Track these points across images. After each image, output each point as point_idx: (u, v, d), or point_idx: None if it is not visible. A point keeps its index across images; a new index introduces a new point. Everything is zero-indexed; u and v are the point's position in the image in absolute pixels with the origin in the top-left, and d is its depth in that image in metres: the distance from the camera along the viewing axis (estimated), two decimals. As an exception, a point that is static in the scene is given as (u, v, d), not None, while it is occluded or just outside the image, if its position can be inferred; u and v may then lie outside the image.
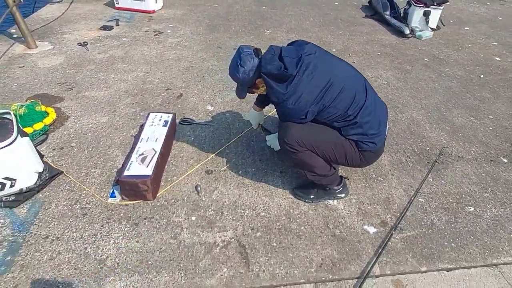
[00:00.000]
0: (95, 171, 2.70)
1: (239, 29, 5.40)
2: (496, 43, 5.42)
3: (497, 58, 4.91)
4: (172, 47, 4.71)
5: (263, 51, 2.26)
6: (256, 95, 2.65)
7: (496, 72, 4.53)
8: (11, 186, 2.40)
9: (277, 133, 2.69)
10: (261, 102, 2.77)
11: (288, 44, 2.37)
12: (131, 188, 2.42)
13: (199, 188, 2.60)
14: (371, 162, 2.46)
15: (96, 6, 6.00)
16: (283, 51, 2.17)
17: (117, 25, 5.27)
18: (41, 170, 2.54)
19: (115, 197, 2.50)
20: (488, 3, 7.26)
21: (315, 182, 2.40)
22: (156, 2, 5.81)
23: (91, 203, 2.45)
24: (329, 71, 2.16)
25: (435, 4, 5.38)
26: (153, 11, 5.78)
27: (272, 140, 2.82)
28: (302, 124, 2.18)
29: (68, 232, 2.25)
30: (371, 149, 2.26)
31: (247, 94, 2.42)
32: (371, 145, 2.24)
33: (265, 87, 2.31)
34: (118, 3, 5.81)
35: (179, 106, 3.50)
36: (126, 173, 2.43)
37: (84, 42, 4.62)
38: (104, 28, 5.09)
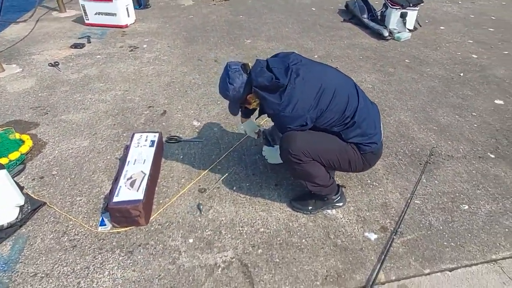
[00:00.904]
0: (81, 199, 2.63)
1: (218, 40, 5.40)
2: (471, 41, 5.58)
3: (474, 56, 5.05)
4: (150, 62, 4.67)
5: (250, 65, 2.28)
6: None
7: (475, 69, 4.66)
8: (-10, 223, 2.30)
9: (274, 147, 2.70)
10: (246, 114, 2.78)
11: (271, 57, 2.40)
12: (122, 215, 2.36)
13: (201, 207, 2.58)
14: (373, 164, 2.50)
15: (64, 24, 5.90)
16: (270, 62, 2.21)
17: (89, 42, 5.18)
18: (22, 203, 2.45)
19: (105, 225, 2.43)
20: (460, 2, 7.48)
21: (315, 192, 2.41)
22: (128, 16, 5.74)
23: (80, 234, 2.37)
24: (319, 76, 2.20)
25: (411, 5, 5.49)
26: (126, 26, 5.72)
27: (268, 152, 2.80)
28: (303, 132, 2.20)
29: (58, 267, 2.17)
30: (373, 150, 2.31)
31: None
32: (372, 145, 2.29)
33: (258, 102, 2.33)
34: (88, 19, 5.73)
35: (164, 123, 3.45)
36: (115, 199, 2.37)
37: (55, 62, 4.53)
38: (75, 46, 5.01)
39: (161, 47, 5.09)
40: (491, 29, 6.09)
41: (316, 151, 2.21)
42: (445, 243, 2.36)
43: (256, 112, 2.65)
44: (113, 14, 5.57)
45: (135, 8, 6.05)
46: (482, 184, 2.84)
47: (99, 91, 3.98)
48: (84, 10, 5.62)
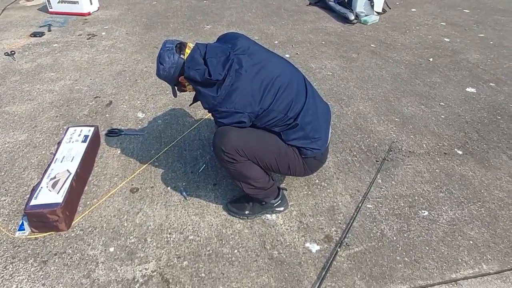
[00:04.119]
0: (5, 200, 2.28)
1: (178, 26, 4.98)
2: (444, 23, 5.14)
3: (446, 39, 4.63)
4: (105, 50, 4.26)
5: (191, 45, 1.92)
6: None
7: (446, 54, 4.24)
8: None
9: None
10: None
11: (218, 39, 2.05)
12: (40, 220, 2.03)
13: (184, 193, 2.30)
14: (314, 171, 2.17)
15: (29, 12, 5.47)
16: (208, 51, 1.86)
17: (49, 30, 4.77)
18: None
19: (23, 229, 2.09)
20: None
21: (252, 195, 2.04)
22: (91, 3, 5.36)
23: (-5, 239, 2.02)
24: (264, 70, 1.87)
25: (379, -15, 5.06)
26: (88, 13, 5.31)
27: None
28: (240, 129, 1.87)
29: (-38, 279, 1.81)
30: (315, 155, 1.98)
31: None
32: (315, 150, 1.96)
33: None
34: (51, 7, 5.33)
35: (107, 115, 3.07)
36: (33, 202, 2.04)
37: (11, 52, 4.14)
38: (35, 34, 4.60)
39: (119, 35, 4.68)
40: (466, 11, 5.63)
41: (253, 151, 1.88)
42: (397, 257, 1.95)
43: None
44: (76, 2, 5.20)
45: (99, -5, 5.62)
46: (446, 186, 2.39)
47: (48, 80, 3.60)
48: (47, -2, 5.21)
